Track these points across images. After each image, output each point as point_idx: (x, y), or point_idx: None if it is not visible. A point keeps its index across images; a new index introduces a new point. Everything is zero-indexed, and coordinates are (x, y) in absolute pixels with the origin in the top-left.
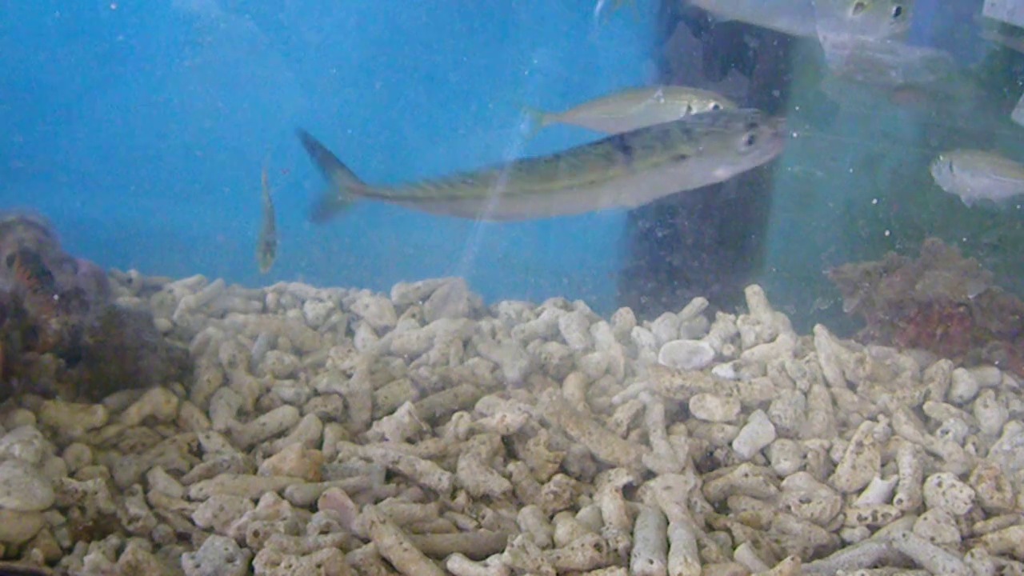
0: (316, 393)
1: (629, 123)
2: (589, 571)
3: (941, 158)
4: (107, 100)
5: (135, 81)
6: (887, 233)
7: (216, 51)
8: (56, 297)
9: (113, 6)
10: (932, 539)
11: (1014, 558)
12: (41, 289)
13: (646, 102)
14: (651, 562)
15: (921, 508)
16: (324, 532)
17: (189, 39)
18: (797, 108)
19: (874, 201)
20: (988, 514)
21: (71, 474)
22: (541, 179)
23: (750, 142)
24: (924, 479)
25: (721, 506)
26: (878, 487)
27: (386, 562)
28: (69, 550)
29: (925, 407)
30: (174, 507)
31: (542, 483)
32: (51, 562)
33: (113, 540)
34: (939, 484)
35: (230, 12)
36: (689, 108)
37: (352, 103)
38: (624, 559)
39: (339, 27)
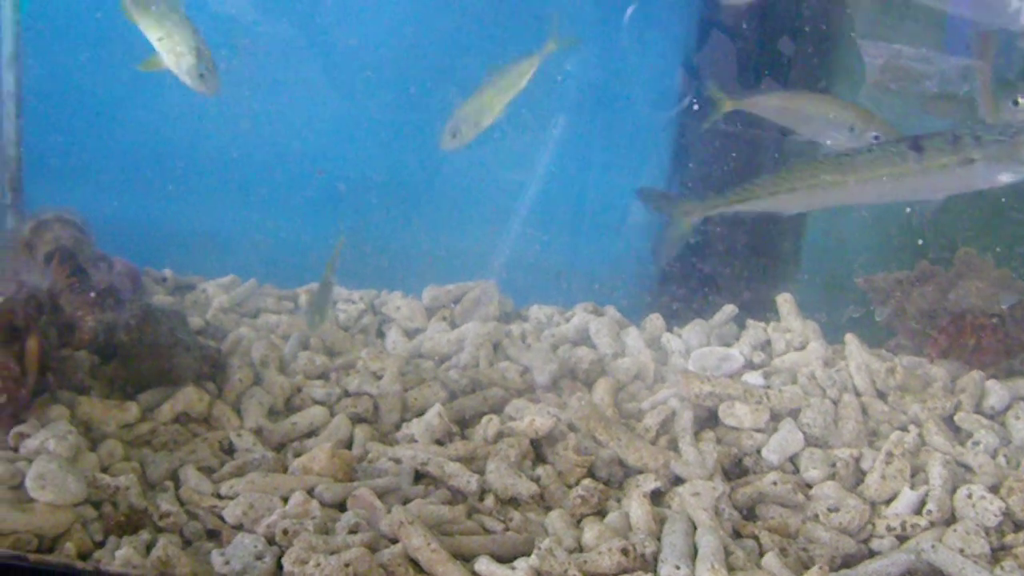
0: (347, 394)
1: (797, 121)
2: None
3: None
4: (144, 101)
5: (172, 82)
6: (920, 242)
7: (252, 54)
8: (92, 295)
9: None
10: (961, 551)
11: None
12: (77, 287)
13: (817, 109)
14: (678, 568)
15: (951, 519)
16: (353, 532)
17: (226, 42)
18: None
19: (907, 210)
20: (1018, 527)
21: (104, 469)
22: (844, 172)
23: None
24: (954, 490)
25: (749, 513)
26: (907, 497)
27: (414, 562)
28: (101, 544)
29: (956, 418)
30: (205, 504)
31: (570, 487)
32: (83, 556)
33: (144, 535)
34: (969, 496)
35: (266, 15)
36: (852, 129)
37: (386, 106)
38: (651, 564)
39: (374, 31)
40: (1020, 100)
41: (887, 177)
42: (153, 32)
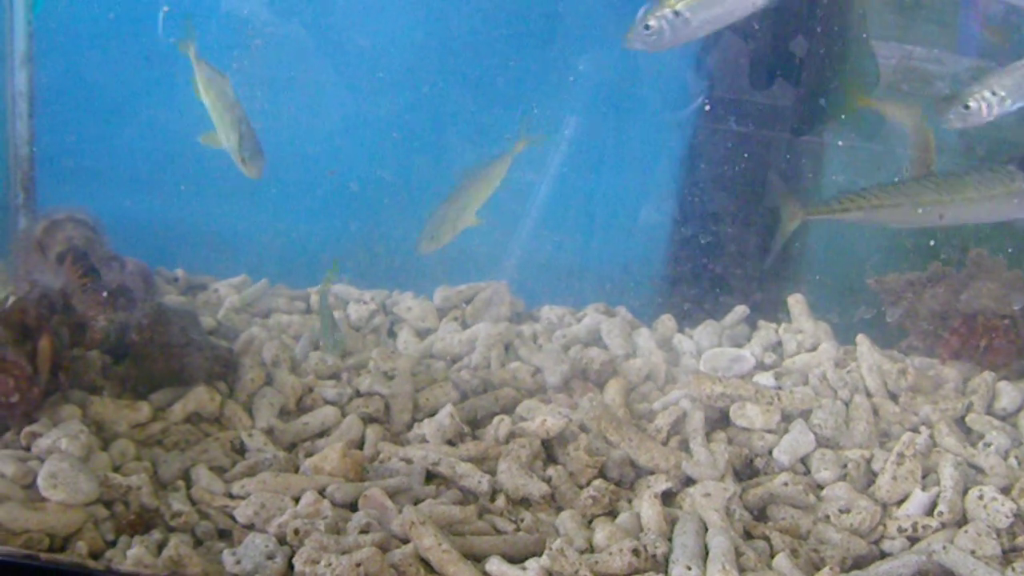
0: (358, 394)
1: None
2: None
3: None
4: (157, 101)
5: (185, 82)
6: (931, 243)
7: (265, 54)
8: (104, 294)
9: (166, 8)
10: (972, 552)
11: None
12: (89, 286)
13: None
14: (689, 569)
15: (962, 521)
16: (364, 532)
17: (239, 42)
18: (842, 117)
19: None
20: None
21: (116, 469)
22: (952, 190)
23: None
24: (965, 491)
25: (760, 514)
26: (919, 499)
27: (425, 563)
28: (113, 544)
29: (967, 419)
30: (216, 504)
31: (581, 488)
32: (95, 555)
33: (156, 535)
34: (980, 497)
35: (279, 16)
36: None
37: (399, 106)
38: (662, 565)
39: (387, 31)
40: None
41: (992, 197)
42: (212, 111)
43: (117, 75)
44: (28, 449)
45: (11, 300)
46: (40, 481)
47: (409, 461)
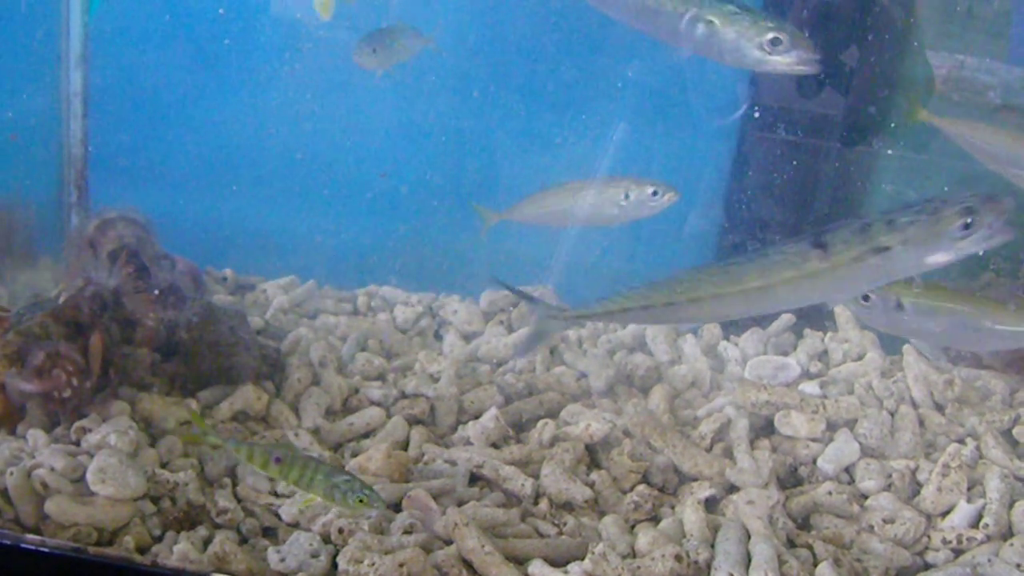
0: (404, 395)
1: (569, 216)
2: None
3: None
4: (210, 103)
5: (237, 85)
6: (980, 254)
7: (315, 57)
8: (154, 293)
9: (221, 11)
10: (1018, 566)
11: None
12: (140, 285)
13: (582, 193)
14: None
15: (1008, 534)
16: (407, 532)
17: (290, 45)
18: (892, 125)
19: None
20: None
21: (163, 465)
22: (733, 282)
23: (966, 227)
24: (1012, 504)
25: (803, 523)
26: (964, 511)
27: (467, 564)
28: (159, 539)
29: (1014, 431)
30: (262, 502)
31: (624, 493)
32: (141, 550)
33: (202, 531)
34: None
35: (330, 19)
36: (627, 195)
37: (449, 110)
38: (704, 571)
39: (438, 35)
40: None
41: (790, 280)
42: None
43: (170, 77)
44: (78, 444)
45: (64, 297)
46: (89, 475)
47: (453, 463)
